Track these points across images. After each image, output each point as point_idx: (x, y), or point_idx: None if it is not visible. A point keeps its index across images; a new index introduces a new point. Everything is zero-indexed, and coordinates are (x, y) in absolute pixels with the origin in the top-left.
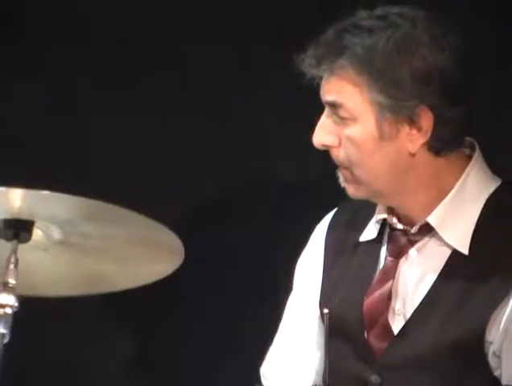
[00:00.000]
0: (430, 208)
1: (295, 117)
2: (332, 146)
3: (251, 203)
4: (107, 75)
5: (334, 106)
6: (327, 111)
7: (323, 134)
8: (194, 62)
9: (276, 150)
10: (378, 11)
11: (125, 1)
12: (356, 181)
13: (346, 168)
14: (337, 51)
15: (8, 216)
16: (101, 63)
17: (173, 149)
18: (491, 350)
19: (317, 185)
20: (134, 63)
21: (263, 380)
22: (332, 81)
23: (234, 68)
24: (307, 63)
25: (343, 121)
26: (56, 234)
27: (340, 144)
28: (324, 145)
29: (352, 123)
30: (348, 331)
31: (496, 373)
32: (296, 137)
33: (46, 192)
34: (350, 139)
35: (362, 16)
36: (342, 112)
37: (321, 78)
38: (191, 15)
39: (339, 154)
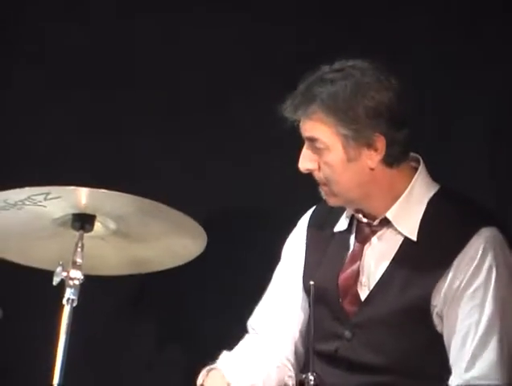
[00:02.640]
0: (387, 207)
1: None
2: (313, 170)
3: (256, 203)
4: (144, 92)
5: (311, 140)
6: (306, 144)
7: (305, 162)
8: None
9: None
10: (337, 65)
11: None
12: (333, 194)
13: (325, 185)
14: (309, 99)
15: (76, 211)
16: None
17: (201, 161)
18: (435, 311)
19: (309, 193)
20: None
21: (251, 330)
22: (307, 122)
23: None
24: (287, 111)
25: (319, 150)
26: (112, 226)
27: (319, 168)
28: (307, 170)
29: (326, 152)
30: (327, 299)
31: (438, 328)
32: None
33: (106, 191)
34: (326, 163)
35: (325, 71)
36: (318, 144)
37: (299, 120)
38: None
39: (319, 175)
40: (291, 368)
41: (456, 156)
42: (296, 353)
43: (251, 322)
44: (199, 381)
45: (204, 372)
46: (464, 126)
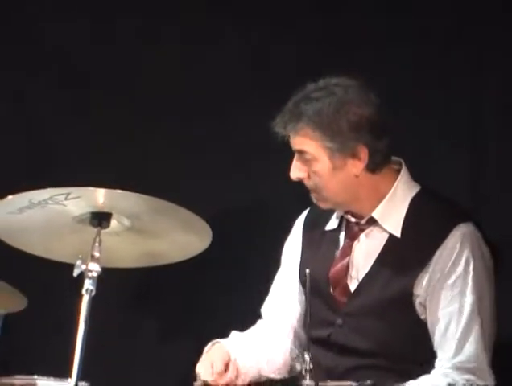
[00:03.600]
0: (373, 207)
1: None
2: (303, 178)
3: (257, 203)
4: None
5: (300, 152)
6: (296, 155)
7: (296, 171)
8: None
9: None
10: (321, 83)
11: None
12: (323, 199)
13: (315, 191)
14: (296, 116)
15: (94, 210)
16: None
17: (207, 164)
18: (417, 301)
19: (305, 194)
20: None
21: (264, 317)
22: (296, 137)
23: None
24: (277, 127)
25: (308, 161)
26: (126, 223)
27: (308, 176)
28: (298, 178)
29: (314, 162)
30: (320, 290)
31: (422, 317)
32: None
33: (121, 191)
34: (315, 173)
35: (311, 89)
36: (307, 156)
37: (289, 135)
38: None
39: (309, 183)
40: (297, 352)
41: (438, 157)
42: (298, 339)
43: (263, 310)
44: (204, 353)
45: (209, 345)
46: (446, 128)
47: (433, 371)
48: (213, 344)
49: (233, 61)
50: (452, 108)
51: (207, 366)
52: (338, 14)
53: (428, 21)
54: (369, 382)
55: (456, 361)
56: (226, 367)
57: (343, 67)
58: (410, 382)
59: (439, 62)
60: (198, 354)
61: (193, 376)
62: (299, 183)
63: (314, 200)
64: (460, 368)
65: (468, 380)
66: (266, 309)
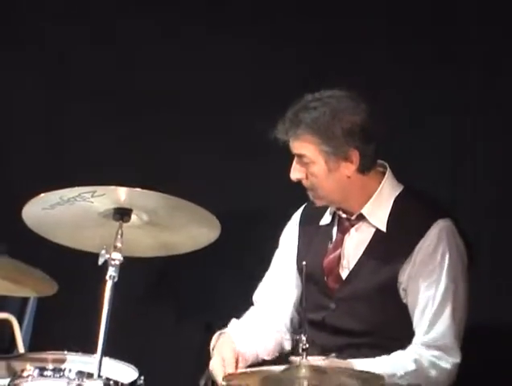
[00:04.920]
0: (362, 204)
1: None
2: (301, 179)
3: (260, 200)
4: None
5: (299, 156)
6: (296, 158)
7: (295, 172)
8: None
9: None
10: (317, 94)
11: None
12: (319, 197)
13: (312, 190)
14: (296, 124)
15: (117, 206)
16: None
17: (216, 166)
18: (401, 287)
19: (302, 193)
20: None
21: (255, 303)
22: (295, 142)
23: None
24: (279, 133)
25: (306, 164)
26: (145, 217)
27: (307, 177)
28: (297, 179)
29: (312, 164)
30: (315, 278)
31: (404, 301)
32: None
33: (140, 189)
34: (312, 174)
35: (308, 99)
36: (305, 159)
37: (289, 141)
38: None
39: (307, 183)
40: (288, 333)
41: (422, 157)
42: (291, 321)
43: (255, 297)
44: (212, 342)
45: (216, 335)
46: (430, 128)
47: (407, 348)
48: (220, 335)
49: (233, 61)
50: (437, 109)
51: (219, 363)
52: (338, 14)
53: (428, 21)
54: (333, 354)
55: (426, 338)
56: (237, 360)
57: (343, 68)
58: (383, 356)
59: (439, 62)
60: (209, 334)
61: (206, 355)
62: (298, 184)
63: (311, 198)
64: (429, 345)
65: (434, 356)
66: (260, 294)
